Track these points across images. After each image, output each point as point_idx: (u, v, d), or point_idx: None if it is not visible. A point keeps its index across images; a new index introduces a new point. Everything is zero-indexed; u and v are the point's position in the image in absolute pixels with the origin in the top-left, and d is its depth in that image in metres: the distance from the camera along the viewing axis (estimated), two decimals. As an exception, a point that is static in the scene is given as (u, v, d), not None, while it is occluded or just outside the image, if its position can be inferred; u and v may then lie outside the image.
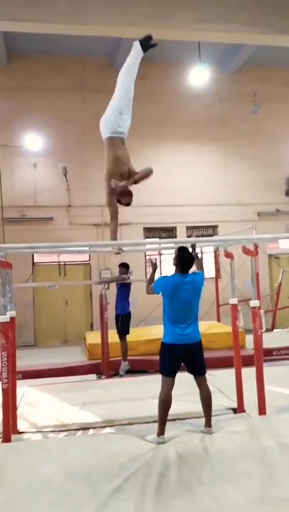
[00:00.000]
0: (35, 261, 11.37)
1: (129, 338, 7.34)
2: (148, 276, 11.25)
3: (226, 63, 12.09)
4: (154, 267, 4.46)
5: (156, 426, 3.78)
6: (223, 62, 12.09)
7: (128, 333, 7.29)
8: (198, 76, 10.94)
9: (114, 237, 4.19)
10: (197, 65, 10.64)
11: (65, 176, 11.09)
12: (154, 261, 4.55)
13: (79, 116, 11.68)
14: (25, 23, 6.47)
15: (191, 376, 5.67)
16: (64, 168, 10.94)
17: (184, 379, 5.99)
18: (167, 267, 12.17)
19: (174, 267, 4.19)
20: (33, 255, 11.25)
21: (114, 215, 4.29)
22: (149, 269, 12.08)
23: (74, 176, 11.25)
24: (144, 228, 11.67)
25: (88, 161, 11.50)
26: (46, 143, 11.36)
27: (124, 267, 7.65)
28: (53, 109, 11.42)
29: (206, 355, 7.74)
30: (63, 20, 6.46)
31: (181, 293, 3.93)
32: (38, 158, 11.37)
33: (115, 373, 7.09)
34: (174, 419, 4.36)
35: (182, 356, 3.89)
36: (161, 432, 3.72)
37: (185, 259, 4.05)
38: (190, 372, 4.02)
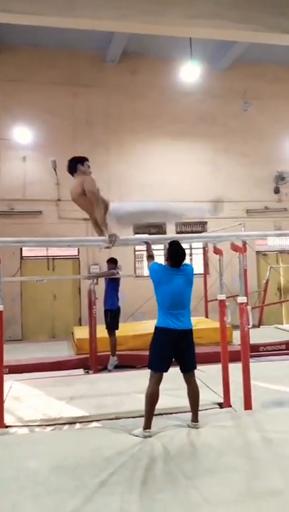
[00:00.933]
0: (23, 255, 11.31)
1: (117, 333, 7.36)
2: (137, 273, 11.23)
3: (217, 60, 12.11)
4: (148, 244, 4.51)
5: (142, 420, 3.80)
6: (214, 59, 12.11)
7: (117, 328, 7.31)
8: (190, 72, 10.93)
9: (105, 225, 4.12)
10: (188, 61, 10.64)
11: (55, 169, 11.03)
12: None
13: (70, 110, 11.63)
14: (17, 15, 6.39)
15: (177, 371, 5.71)
16: (54, 162, 10.88)
17: (172, 374, 6.03)
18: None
19: (165, 262, 4.20)
20: (21, 249, 11.20)
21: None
22: (138, 265, 12.11)
23: (64, 171, 11.01)
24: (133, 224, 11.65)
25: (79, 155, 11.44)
26: (36, 136, 11.28)
27: (113, 262, 7.66)
28: (43, 102, 11.34)
29: (194, 350, 7.79)
30: (55, 13, 6.40)
31: (175, 281, 3.98)
32: (27, 152, 11.30)
33: (103, 368, 7.10)
34: (160, 414, 4.39)
35: (174, 344, 3.86)
36: (147, 425, 3.74)
37: (176, 254, 4.05)
38: (181, 368, 4.02)
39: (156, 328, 4.01)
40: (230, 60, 12.07)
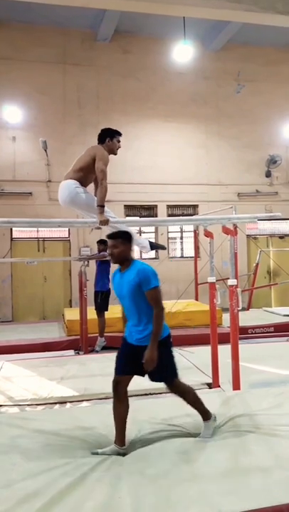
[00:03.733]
0: (13, 236, 11.25)
1: (107, 315, 7.39)
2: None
3: (210, 41, 11.96)
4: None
5: (133, 400, 3.83)
6: (207, 40, 11.96)
7: (107, 309, 7.35)
8: (182, 53, 10.81)
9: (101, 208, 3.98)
10: (181, 41, 10.50)
11: (45, 150, 10.91)
12: None
13: (60, 89, 11.47)
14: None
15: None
16: (44, 143, 10.76)
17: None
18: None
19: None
20: (11, 230, 11.14)
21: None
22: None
23: (54, 151, 11.08)
24: (124, 206, 11.63)
25: (69, 136, 11.35)
26: (26, 116, 11.13)
27: (103, 243, 7.64)
28: (33, 81, 11.16)
29: (183, 332, 7.92)
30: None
31: (119, 288, 3.29)
32: (17, 131, 11.14)
33: (91, 349, 7.16)
34: (149, 394, 4.47)
35: (131, 356, 3.20)
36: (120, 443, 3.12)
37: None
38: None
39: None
40: (224, 41, 11.93)
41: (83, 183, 4.11)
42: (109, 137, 4.23)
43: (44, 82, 11.25)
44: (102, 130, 4.30)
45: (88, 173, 4.10)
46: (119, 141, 4.32)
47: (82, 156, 4.16)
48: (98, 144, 4.25)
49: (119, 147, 4.35)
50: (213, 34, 11.72)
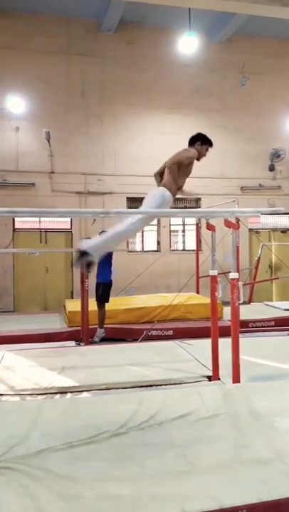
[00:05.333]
0: (16, 227, 11.26)
1: (108, 306, 7.42)
2: (129, 247, 11.17)
3: (215, 33, 11.87)
4: None
5: (133, 391, 3.87)
6: (212, 32, 11.87)
7: (107, 301, 7.37)
8: (187, 44, 10.73)
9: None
10: (186, 32, 10.42)
11: (48, 141, 10.88)
12: None
13: (64, 79, 11.41)
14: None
15: (168, 344, 5.82)
16: (47, 133, 10.73)
17: (160, 347, 6.13)
18: (149, 238, 12.22)
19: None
20: (13, 221, 11.15)
21: None
22: (131, 240, 12.10)
23: (57, 142, 11.05)
24: (127, 198, 11.61)
25: (72, 127, 11.33)
26: (29, 106, 11.09)
27: None
28: (36, 71, 11.11)
29: (184, 325, 7.93)
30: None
31: None
32: (20, 122, 11.11)
33: (92, 340, 7.18)
34: (150, 385, 4.49)
35: None
36: None
37: None
38: None
39: None
40: (229, 33, 11.84)
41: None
42: (200, 142, 4.39)
43: (48, 72, 11.20)
44: (197, 133, 4.48)
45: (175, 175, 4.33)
46: (207, 150, 4.43)
47: (171, 158, 4.45)
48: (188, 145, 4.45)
49: (205, 156, 4.45)
50: (218, 26, 11.63)
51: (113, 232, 4.24)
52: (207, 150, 4.43)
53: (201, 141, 4.38)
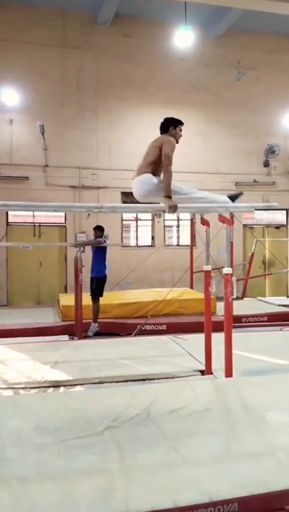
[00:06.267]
0: (9, 220, 11.21)
1: (102, 301, 7.43)
2: (124, 242, 11.14)
3: (211, 27, 11.83)
4: None
5: (126, 385, 3.88)
6: (208, 26, 11.83)
7: (101, 295, 7.38)
8: (183, 38, 10.68)
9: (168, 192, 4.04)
10: (182, 26, 10.37)
11: (43, 134, 10.82)
12: None
13: (59, 72, 11.34)
14: None
15: (161, 339, 5.83)
16: (41, 127, 10.66)
17: (153, 342, 6.14)
18: (144, 233, 12.22)
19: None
20: (7, 214, 11.09)
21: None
22: (125, 235, 12.09)
23: (52, 136, 10.99)
24: (121, 193, 11.58)
25: (67, 121, 11.27)
26: (23, 99, 11.01)
27: (100, 230, 7.64)
28: (31, 63, 11.02)
29: (178, 319, 7.95)
30: None
31: None
32: (14, 114, 11.03)
33: (85, 334, 7.18)
34: (143, 379, 4.50)
35: None
36: None
37: None
38: None
39: None
40: (225, 27, 11.81)
41: (156, 174, 4.21)
42: (172, 126, 4.37)
43: (43, 65, 11.12)
44: (165, 119, 4.45)
45: (158, 165, 4.18)
46: (181, 130, 4.42)
47: (150, 149, 4.29)
48: (161, 133, 4.41)
49: (181, 136, 4.44)
50: (214, 20, 11.59)
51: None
52: (181, 130, 4.44)
53: (173, 125, 4.40)
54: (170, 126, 4.40)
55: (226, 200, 4.49)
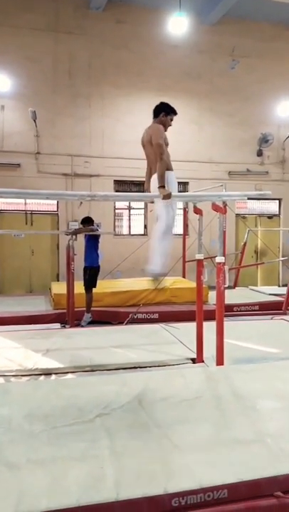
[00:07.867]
0: (0, 208, 11.12)
1: (94, 289, 7.40)
2: (116, 231, 11.09)
3: (206, 14, 11.70)
4: None
5: (117, 373, 3.89)
6: (203, 13, 11.69)
7: (95, 286, 7.36)
8: (177, 25, 10.56)
9: (163, 182, 4.08)
10: (176, 13, 10.25)
11: (35, 121, 10.69)
12: None
13: (51, 58, 11.18)
14: None
15: (153, 327, 5.83)
16: (33, 113, 10.53)
17: (145, 330, 6.15)
18: (136, 222, 12.18)
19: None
20: (-2, 202, 11.00)
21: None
22: (118, 223, 12.05)
23: (44, 122, 10.87)
24: (114, 181, 11.51)
25: (59, 107, 11.14)
26: (15, 84, 10.84)
27: (88, 222, 7.54)
28: (23, 48, 10.84)
29: (170, 308, 7.97)
30: None
31: None
32: (5, 100, 10.88)
33: (77, 324, 7.18)
34: (134, 367, 4.51)
35: None
36: None
37: None
38: None
39: None
40: (220, 14, 11.69)
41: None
42: (164, 112, 4.34)
43: (34, 50, 10.95)
44: (161, 103, 4.41)
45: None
46: (172, 120, 4.40)
47: (149, 148, 4.38)
48: (154, 117, 4.40)
49: (171, 125, 4.42)
50: (209, 7, 11.47)
51: (159, 234, 4.46)
52: (172, 119, 4.41)
53: (165, 112, 4.36)
54: (162, 112, 4.36)
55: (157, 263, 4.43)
